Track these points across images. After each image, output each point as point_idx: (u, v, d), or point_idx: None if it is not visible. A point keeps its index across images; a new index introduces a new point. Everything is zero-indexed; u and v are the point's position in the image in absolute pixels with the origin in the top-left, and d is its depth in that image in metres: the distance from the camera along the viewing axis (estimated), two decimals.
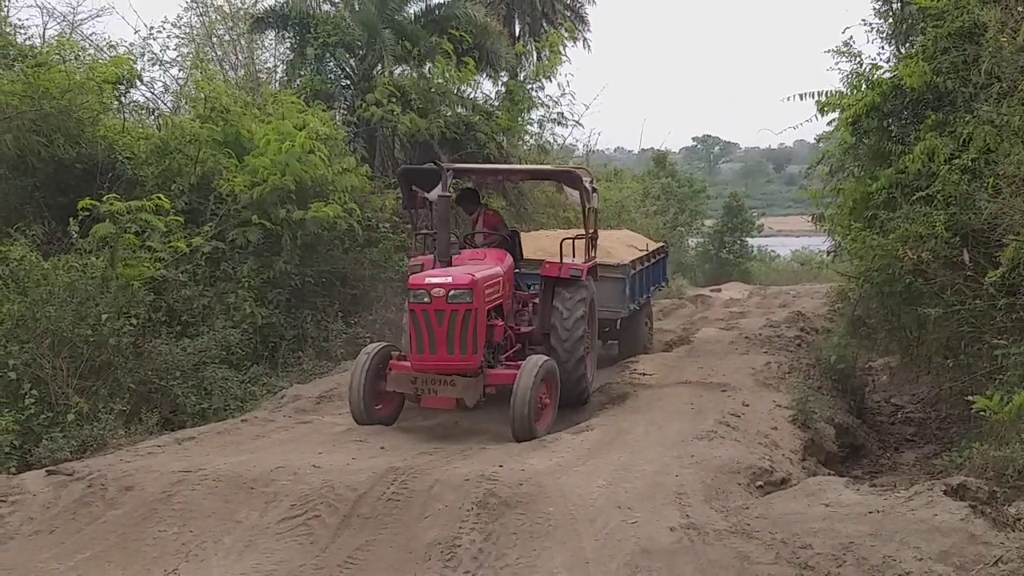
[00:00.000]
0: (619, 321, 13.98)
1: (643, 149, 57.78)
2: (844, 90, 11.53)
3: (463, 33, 19.81)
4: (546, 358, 9.49)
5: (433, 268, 9.94)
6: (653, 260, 15.59)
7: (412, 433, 9.50)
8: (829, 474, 8.59)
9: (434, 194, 10.54)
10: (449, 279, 9.04)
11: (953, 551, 5.49)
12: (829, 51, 11.74)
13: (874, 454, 10.59)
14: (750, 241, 46.81)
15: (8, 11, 15.43)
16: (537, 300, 11.03)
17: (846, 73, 11.65)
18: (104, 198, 11.25)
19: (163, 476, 7.50)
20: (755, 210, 52.44)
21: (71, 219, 11.04)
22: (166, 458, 8.24)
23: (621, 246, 15.36)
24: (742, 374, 11.55)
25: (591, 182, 11.55)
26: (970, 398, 7.85)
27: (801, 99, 11.66)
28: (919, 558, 5.45)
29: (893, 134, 10.81)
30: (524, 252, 12.16)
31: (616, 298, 13.32)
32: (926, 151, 9.57)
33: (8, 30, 14.78)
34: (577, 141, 32.19)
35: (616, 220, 29.44)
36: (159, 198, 11.91)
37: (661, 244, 17.52)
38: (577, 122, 26.02)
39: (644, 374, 12.04)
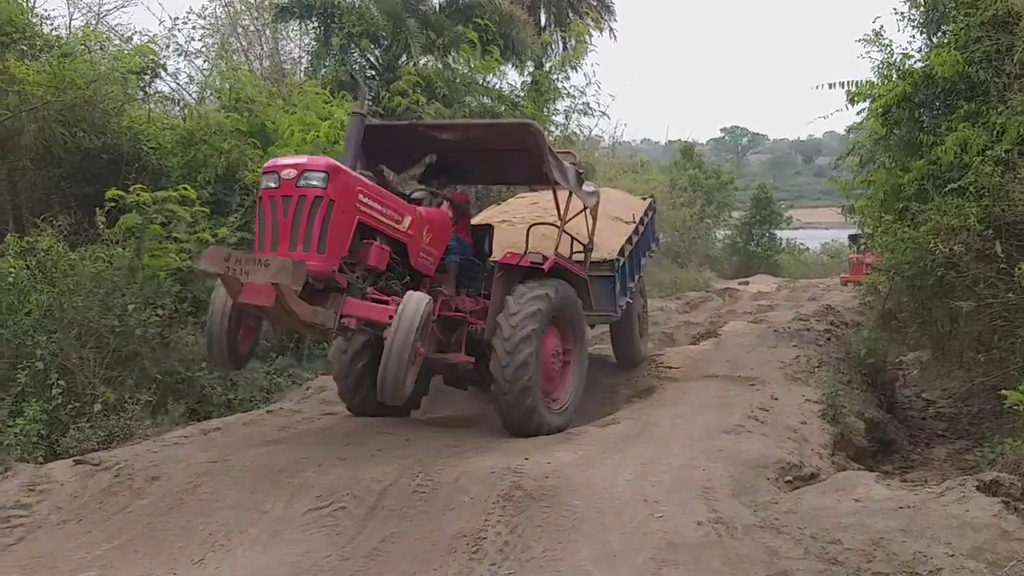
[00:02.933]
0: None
1: (670, 140, 57.72)
2: (875, 80, 11.46)
3: (488, 22, 19.82)
4: (428, 299, 7.61)
5: None
6: (643, 228, 13.16)
7: (437, 425, 9.54)
8: (859, 469, 8.54)
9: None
10: (303, 160, 7.67)
11: (985, 547, 5.45)
12: (860, 40, 11.67)
13: (905, 449, 10.52)
14: (778, 233, 46.67)
15: (34, 2, 15.54)
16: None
17: (877, 62, 11.59)
18: (131, 188, 11.34)
19: (189, 466, 7.56)
20: (784, 202, 52.28)
21: (97, 209, 11.13)
22: (192, 448, 8.30)
23: (605, 223, 12.15)
24: (770, 368, 11.49)
25: (576, 164, 10.16)
26: (1003, 393, 7.80)
27: (831, 89, 11.59)
28: (951, 554, 5.42)
29: (924, 125, 10.73)
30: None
31: (605, 299, 11.25)
32: (958, 142, 9.47)
33: (34, 20, 14.87)
34: (603, 132, 32.27)
35: None
36: (185, 189, 12.01)
37: (649, 200, 14.64)
38: (603, 112, 26.20)
39: (670, 367, 12.01)
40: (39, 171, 12.95)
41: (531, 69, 23.13)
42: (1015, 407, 7.45)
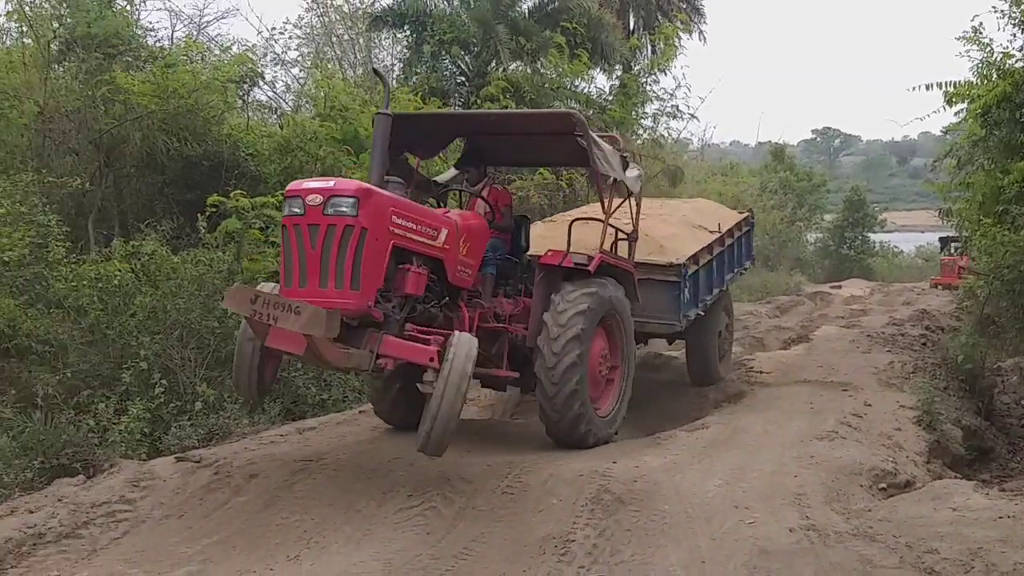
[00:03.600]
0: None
1: (760, 142, 57.07)
2: (973, 80, 11.19)
3: (576, 26, 19.80)
4: (475, 341, 6.87)
5: None
6: (731, 239, 12.14)
7: (527, 427, 9.56)
8: (956, 477, 8.35)
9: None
10: (331, 183, 6.83)
11: None
12: (959, 38, 11.40)
13: (1004, 458, 10.25)
14: (872, 236, 45.76)
15: (139, 15, 16.02)
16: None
17: (976, 62, 11.32)
18: (230, 194, 11.60)
19: (286, 464, 7.71)
20: (877, 204, 51.23)
21: (199, 215, 11.41)
22: (288, 447, 8.46)
23: (684, 229, 11.61)
24: (864, 373, 11.30)
25: (621, 149, 9.22)
26: None
27: (927, 89, 11.38)
28: None
29: None
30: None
31: (667, 306, 10.20)
32: None
33: (139, 33, 15.32)
34: (692, 135, 32.02)
35: None
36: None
37: (745, 214, 13.54)
38: (692, 115, 25.97)
39: (761, 372, 11.90)
40: (143, 178, 13.34)
41: (619, 72, 23.08)
42: None
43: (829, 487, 7.20)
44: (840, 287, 31.29)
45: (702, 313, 10.81)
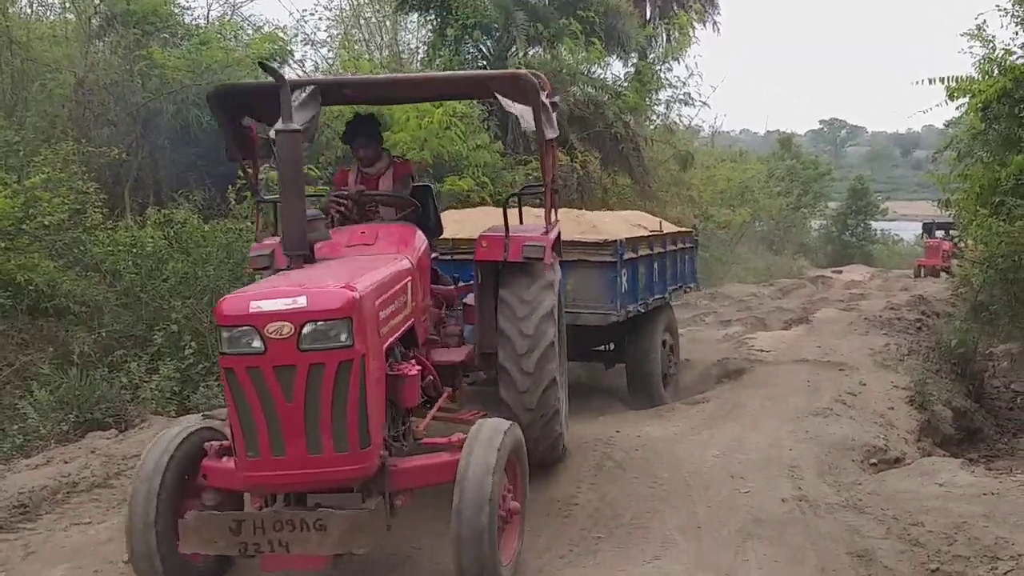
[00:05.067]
0: (625, 335, 9.40)
1: (769, 131, 56.73)
2: (975, 75, 11.12)
3: (593, 14, 19.74)
4: (507, 425, 4.84)
5: (270, 273, 5.58)
6: (673, 247, 10.59)
7: None
8: (944, 456, 8.36)
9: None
10: (301, 300, 4.16)
11: None
12: (963, 34, 11.34)
13: (991, 438, 10.26)
14: (874, 224, 45.67)
15: None
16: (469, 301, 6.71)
17: (978, 58, 11.25)
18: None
19: None
20: (880, 194, 51.04)
21: (229, 186, 11.46)
22: None
23: (621, 223, 10.06)
24: (860, 354, 11.30)
25: (550, 98, 6.47)
26: None
27: (931, 84, 11.30)
28: None
29: None
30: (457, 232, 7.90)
31: (603, 293, 8.45)
32: None
33: (176, 11, 15.34)
34: (704, 122, 31.92)
35: (739, 202, 29.05)
36: (310, 168, 12.28)
37: (689, 230, 12.08)
38: (704, 103, 25.87)
39: (761, 350, 11.89)
40: (177, 150, 13.40)
41: (635, 60, 22.96)
42: None
43: (822, 461, 7.23)
44: (841, 272, 31.18)
45: (642, 310, 9.23)
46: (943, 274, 25.18)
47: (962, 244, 17.48)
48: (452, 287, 6.78)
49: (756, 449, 7.49)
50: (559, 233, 6.87)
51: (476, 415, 6.10)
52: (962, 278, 14.52)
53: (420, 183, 6.74)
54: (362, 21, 22.00)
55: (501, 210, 6.70)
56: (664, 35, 25.15)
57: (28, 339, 9.54)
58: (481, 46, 20.18)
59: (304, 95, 5.62)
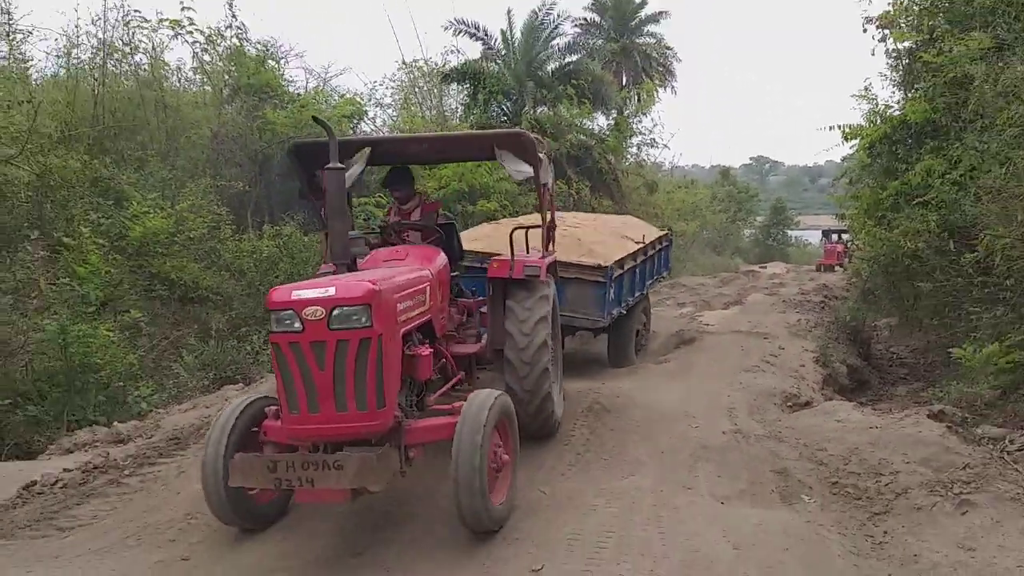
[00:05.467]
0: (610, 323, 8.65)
1: (712, 165, 56.30)
2: (863, 123, 11.02)
3: (584, 82, 19.73)
4: (497, 393, 4.63)
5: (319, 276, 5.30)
6: (653, 251, 10.20)
7: None
8: (841, 400, 8.30)
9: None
10: (331, 291, 4.11)
11: (932, 458, 5.25)
12: (854, 95, 11.27)
13: (876, 387, 10.15)
14: (789, 232, 45.34)
15: (283, 71, 16.07)
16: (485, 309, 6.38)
17: (866, 110, 11.16)
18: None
19: None
20: (794, 210, 50.49)
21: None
22: None
23: (612, 239, 9.51)
24: (779, 327, 11.22)
25: (546, 152, 6.41)
26: (951, 349, 7.54)
27: (831, 129, 11.15)
28: (907, 461, 5.24)
29: (899, 156, 10.30)
30: (466, 245, 7.42)
31: (594, 303, 8.26)
32: (925, 168, 9.19)
33: (283, 83, 15.41)
34: (665, 159, 31.72)
35: (691, 217, 28.87)
36: (381, 196, 12.32)
37: (664, 232, 11.41)
38: (665, 145, 25.88)
39: (708, 324, 11.82)
40: (284, 183, 13.46)
41: (614, 115, 22.91)
42: (959, 359, 7.18)
43: (752, 404, 7.20)
44: (765, 267, 30.86)
45: (624, 312, 8.90)
46: (837, 269, 24.94)
47: (853, 246, 17.33)
48: (472, 300, 6.53)
49: (704, 396, 7.45)
50: (554, 259, 6.68)
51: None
52: (854, 271, 14.40)
53: (446, 221, 6.47)
54: (416, 89, 21.97)
55: (520, 222, 6.77)
56: (636, 96, 25.02)
57: (179, 320, 9.64)
58: (502, 106, 20.17)
59: (356, 159, 5.89)
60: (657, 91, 25.97)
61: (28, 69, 12.68)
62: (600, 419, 6.71)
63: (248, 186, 12.78)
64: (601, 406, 6.98)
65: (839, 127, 11.12)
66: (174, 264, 9.46)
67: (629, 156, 24.02)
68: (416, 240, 6.23)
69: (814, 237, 47.74)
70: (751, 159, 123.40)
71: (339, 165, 4.75)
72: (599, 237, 9.23)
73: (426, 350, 4.76)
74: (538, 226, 6.60)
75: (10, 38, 11.19)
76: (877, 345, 12.61)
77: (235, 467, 4.12)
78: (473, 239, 8.45)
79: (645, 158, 26.04)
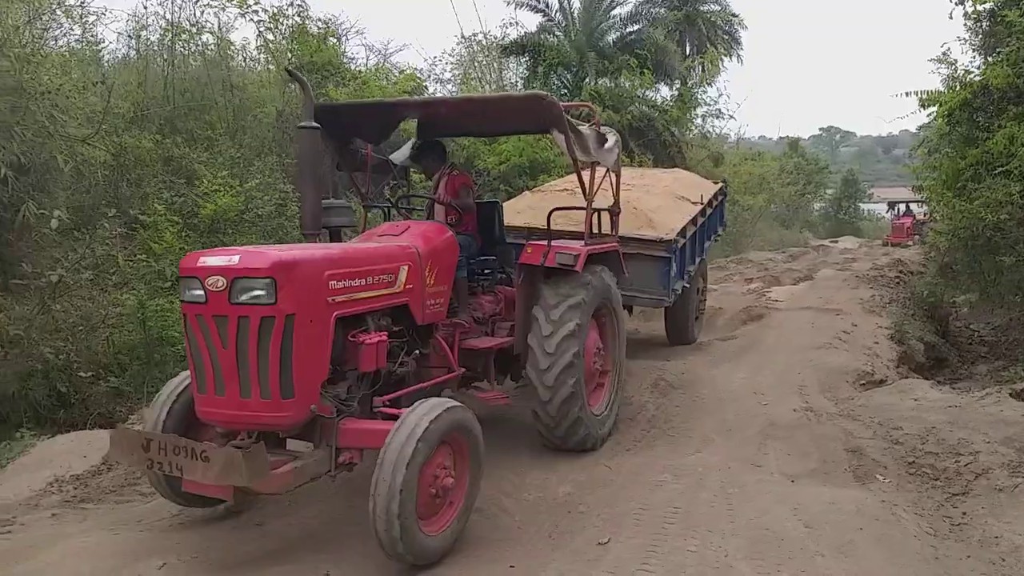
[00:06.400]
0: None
1: (780, 137, 54.66)
2: (942, 89, 10.59)
3: (646, 52, 19.43)
4: (451, 403, 3.83)
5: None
6: (711, 210, 9.10)
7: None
8: (918, 378, 8.09)
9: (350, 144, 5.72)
10: (235, 259, 3.65)
11: (1014, 437, 5.10)
12: (932, 60, 10.84)
13: (954, 366, 9.87)
14: (862, 206, 44.00)
15: (345, 48, 16.24)
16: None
17: (944, 76, 10.73)
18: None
19: None
20: (867, 182, 49.04)
21: (385, 187, 11.63)
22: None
23: (669, 200, 8.61)
24: (852, 303, 10.97)
25: (595, 122, 5.86)
26: None
27: (907, 96, 10.76)
28: (987, 441, 5.10)
29: (980, 123, 9.88)
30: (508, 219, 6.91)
31: (657, 282, 7.47)
32: (1007, 136, 8.80)
33: (344, 61, 15.57)
34: (730, 131, 31.08)
35: (758, 190, 28.28)
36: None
37: (720, 184, 10.11)
38: (731, 116, 25.15)
39: (776, 300, 11.64)
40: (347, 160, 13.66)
41: (678, 85, 22.50)
42: None
43: (823, 382, 7.09)
44: (837, 242, 30.11)
45: (687, 285, 8.20)
46: (910, 244, 24.09)
47: (928, 219, 16.74)
48: (514, 289, 5.72)
49: (772, 373, 7.37)
50: (614, 248, 5.96)
51: (499, 396, 5.34)
52: (932, 244, 13.93)
53: (489, 199, 5.90)
54: (476, 63, 21.96)
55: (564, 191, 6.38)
56: (700, 66, 24.49)
57: None
58: (562, 79, 20.03)
59: (409, 144, 5.91)
60: (722, 60, 25.31)
61: (100, 51, 13.15)
62: (665, 396, 6.71)
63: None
64: (666, 383, 6.98)
65: (915, 94, 10.71)
66: (244, 241, 9.71)
67: (693, 128, 23.59)
68: (439, 218, 5.74)
69: (888, 210, 46.38)
70: (821, 130, 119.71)
71: (313, 124, 4.35)
72: (655, 202, 8.37)
73: (372, 338, 4.08)
74: (578, 208, 5.82)
75: (83, 20, 11.58)
76: (956, 322, 12.22)
77: (112, 439, 3.71)
78: (516, 211, 7.79)
79: (710, 130, 25.56)
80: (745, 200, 26.20)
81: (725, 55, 27.79)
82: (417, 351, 4.69)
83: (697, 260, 8.65)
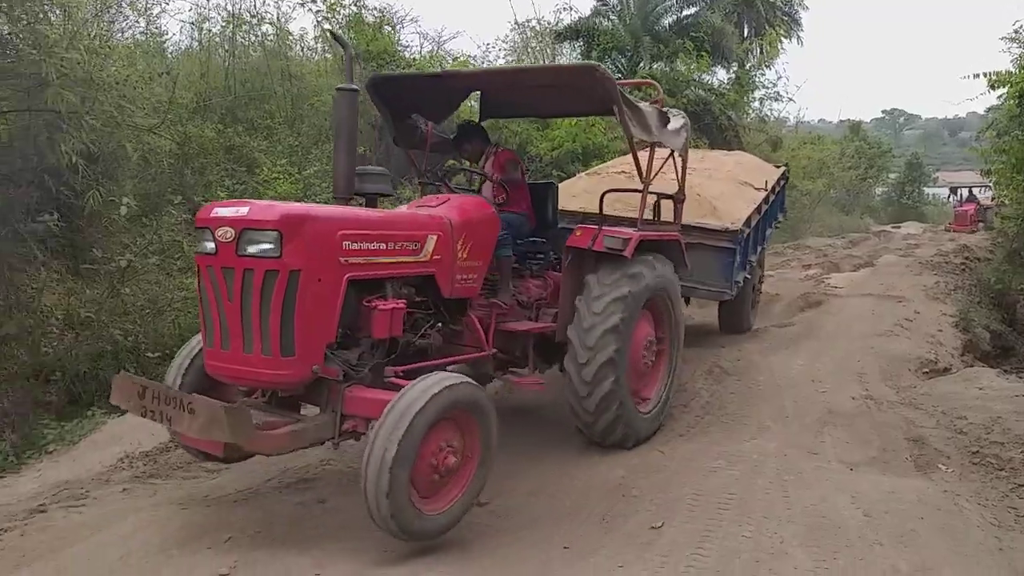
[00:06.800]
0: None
1: (841, 120, 53.26)
2: (1013, 69, 10.18)
3: (703, 35, 19.12)
4: (457, 378, 3.69)
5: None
6: (773, 196, 8.53)
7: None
8: (983, 367, 7.84)
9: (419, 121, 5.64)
10: (244, 211, 3.62)
11: None
12: (1002, 38, 10.41)
13: (1021, 354, 9.53)
14: (926, 190, 42.63)
15: (399, 37, 16.35)
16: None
17: (1015, 56, 10.31)
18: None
19: None
20: (931, 166, 47.50)
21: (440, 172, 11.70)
22: None
23: (732, 187, 8.05)
24: (915, 289, 10.66)
25: (658, 100, 5.65)
26: None
27: (975, 77, 10.39)
28: None
29: None
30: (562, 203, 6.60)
31: (720, 273, 7.06)
32: None
33: (399, 49, 15.69)
34: (789, 114, 30.38)
35: (817, 175, 27.63)
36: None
37: (782, 168, 9.46)
38: (790, 98, 24.62)
39: (835, 287, 11.38)
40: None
41: (735, 68, 22.05)
42: None
43: (884, 369, 6.92)
44: (899, 227, 29.29)
45: (749, 276, 7.77)
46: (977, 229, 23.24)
47: (995, 203, 16.14)
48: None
49: (831, 360, 7.22)
50: (675, 237, 5.59)
51: (534, 381, 5.19)
52: (999, 230, 13.45)
53: (544, 180, 5.76)
54: (529, 49, 21.89)
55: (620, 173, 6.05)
56: (758, 48, 23.96)
57: None
58: (617, 63, 19.82)
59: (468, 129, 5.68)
60: (781, 42, 24.64)
61: (164, 43, 13.51)
62: (721, 382, 6.63)
63: (368, 150, 13.17)
64: (721, 369, 6.90)
65: (984, 74, 10.33)
66: None
67: (751, 111, 23.16)
68: (486, 195, 5.50)
69: (953, 195, 44.77)
70: (884, 112, 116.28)
71: (352, 86, 4.14)
72: (719, 188, 7.84)
73: (388, 304, 3.97)
74: (634, 190, 5.49)
75: (147, 13, 11.92)
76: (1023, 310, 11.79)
77: (115, 384, 3.76)
78: (571, 195, 7.48)
79: (768, 113, 25.08)
80: (804, 185, 25.64)
81: (784, 36, 27.07)
82: (444, 325, 4.56)
83: (759, 249, 8.23)
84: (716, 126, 18.91)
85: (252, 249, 3.55)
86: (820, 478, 4.53)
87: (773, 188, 8.50)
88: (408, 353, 4.23)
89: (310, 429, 3.73)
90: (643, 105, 5.17)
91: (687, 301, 7.96)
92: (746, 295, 8.26)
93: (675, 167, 5.85)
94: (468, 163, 5.89)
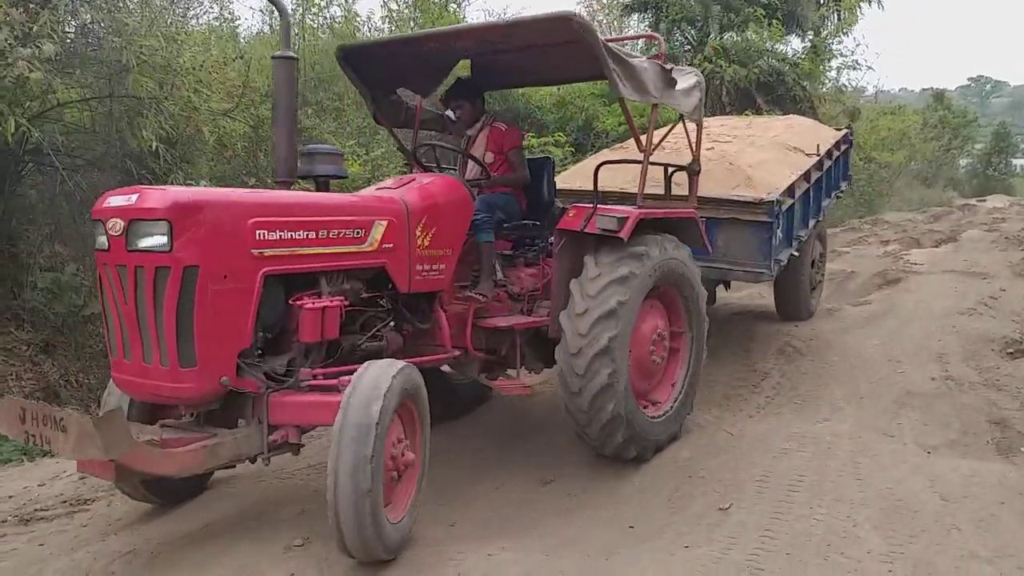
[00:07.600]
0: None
1: (924, 88, 51.03)
2: None
3: (776, 2, 18.53)
4: (401, 364, 3.25)
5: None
6: (830, 162, 7.51)
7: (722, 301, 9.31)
8: None
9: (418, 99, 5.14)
10: (133, 198, 3.06)
11: None
12: None
13: None
14: (1014, 161, 40.51)
15: (465, 13, 16.36)
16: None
17: None
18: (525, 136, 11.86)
19: None
20: (1020, 136, 45.02)
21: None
22: None
23: (777, 153, 7.05)
24: (1000, 266, 10.17)
25: (661, 56, 4.73)
26: None
27: None
28: None
29: None
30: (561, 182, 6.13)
31: (756, 251, 6.08)
32: None
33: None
34: (868, 83, 29.21)
35: (897, 147, 26.57)
36: (559, 135, 12.35)
37: (844, 131, 8.34)
38: (869, 67, 23.69)
39: (915, 263, 10.96)
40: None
41: (810, 36, 21.28)
42: None
43: (966, 349, 6.63)
44: (985, 201, 27.93)
45: (796, 253, 6.80)
46: None
47: None
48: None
49: (910, 340, 6.98)
50: (676, 211, 4.85)
51: (518, 384, 4.65)
52: None
53: (539, 155, 5.07)
54: (597, 23, 21.62)
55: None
56: (835, 14, 23.04)
57: None
58: (686, 35, 19.43)
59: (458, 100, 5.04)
60: (860, 7, 23.55)
61: (237, 27, 13.84)
62: (792, 362, 6.50)
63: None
64: (793, 348, 6.76)
65: None
66: None
67: (827, 81, 22.32)
68: (471, 173, 4.99)
69: None
70: (969, 80, 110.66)
71: (289, 53, 3.77)
72: (759, 156, 6.85)
73: (317, 303, 3.44)
74: (630, 161, 4.90)
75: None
76: None
77: (1, 410, 3.06)
78: (584, 174, 6.75)
79: (846, 83, 24.09)
80: (883, 157, 24.68)
81: (864, 1, 26.03)
82: (405, 324, 4.07)
83: (812, 223, 7.19)
84: (790, 97, 18.33)
85: (142, 243, 3.05)
86: (896, 461, 4.40)
87: (829, 152, 7.51)
88: (354, 358, 3.62)
89: (228, 443, 3.21)
90: (638, 61, 4.46)
91: (727, 286, 7.69)
92: (800, 276, 7.43)
93: (686, 135, 5.10)
94: (459, 133, 5.28)
